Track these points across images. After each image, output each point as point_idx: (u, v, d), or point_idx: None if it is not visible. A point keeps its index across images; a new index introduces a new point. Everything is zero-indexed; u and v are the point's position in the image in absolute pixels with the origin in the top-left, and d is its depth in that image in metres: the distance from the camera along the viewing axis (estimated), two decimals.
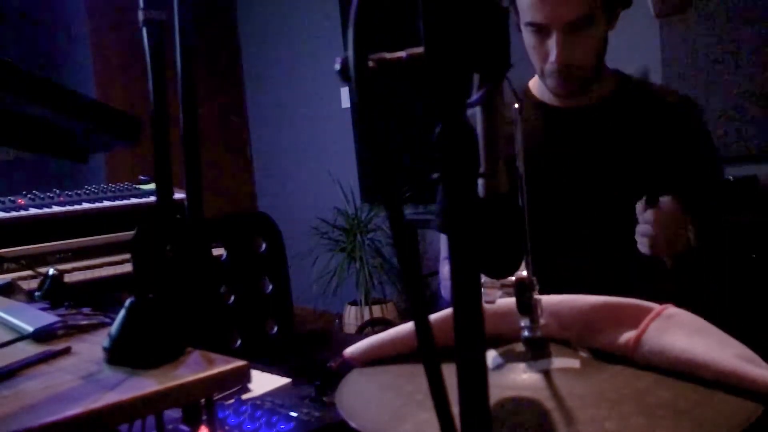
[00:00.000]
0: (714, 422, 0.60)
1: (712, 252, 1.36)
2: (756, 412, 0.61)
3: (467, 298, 0.46)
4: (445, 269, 1.58)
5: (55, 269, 1.14)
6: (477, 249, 0.46)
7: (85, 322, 0.87)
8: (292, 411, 0.95)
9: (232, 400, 0.99)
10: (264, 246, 1.35)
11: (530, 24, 1.35)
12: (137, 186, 2.37)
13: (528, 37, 1.38)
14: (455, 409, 0.46)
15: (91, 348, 0.77)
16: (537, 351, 0.72)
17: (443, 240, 1.61)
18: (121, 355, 0.70)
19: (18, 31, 4.18)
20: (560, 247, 1.42)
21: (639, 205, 1.28)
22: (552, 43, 1.34)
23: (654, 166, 1.39)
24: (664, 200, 1.27)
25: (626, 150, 1.41)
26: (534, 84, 1.52)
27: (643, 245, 1.27)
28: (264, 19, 4.88)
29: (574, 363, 0.71)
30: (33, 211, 2.00)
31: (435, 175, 0.46)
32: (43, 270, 1.22)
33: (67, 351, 0.77)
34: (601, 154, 1.42)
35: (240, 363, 0.67)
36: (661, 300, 0.78)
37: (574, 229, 1.43)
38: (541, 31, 1.34)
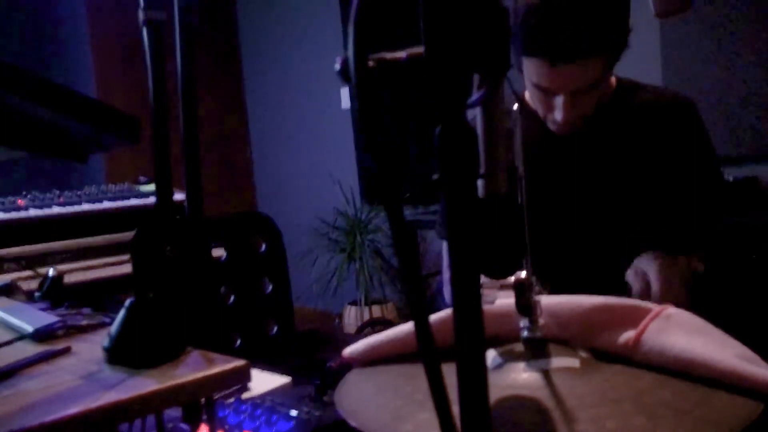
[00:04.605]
0: (714, 421, 0.60)
1: (717, 264, 1.36)
2: (756, 411, 0.61)
3: (467, 299, 0.46)
4: (447, 275, 1.57)
5: (55, 269, 1.15)
6: (477, 250, 0.46)
7: (85, 322, 0.87)
8: (292, 410, 0.95)
9: (232, 399, 0.98)
10: (264, 246, 1.35)
11: (536, 86, 1.32)
12: (137, 186, 2.37)
13: (531, 90, 1.35)
14: (455, 409, 0.46)
15: (91, 348, 0.77)
16: (536, 351, 0.72)
17: (445, 246, 1.60)
18: (121, 355, 0.70)
19: (18, 31, 4.18)
20: (560, 248, 1.42)
21: (630, 276, 1.24)
22: (557, 102, 1.31)
23: (652, 169, 1.39)
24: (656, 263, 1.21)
25: (625, 155, 1.40)
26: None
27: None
28: (264, 18, 4.88)
29: (573, 363, 0.71)
30: (33, 211, 2.00)
31: (435, 176, 0.46)
32: (43, 270, 1.22)
33: (67, 351, 0.77)
34: (600, 161, 1.41)
35: (240, 362, 0.67)
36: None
37: (574, 230, 1.43)
38: (547, 92, 1.32)
